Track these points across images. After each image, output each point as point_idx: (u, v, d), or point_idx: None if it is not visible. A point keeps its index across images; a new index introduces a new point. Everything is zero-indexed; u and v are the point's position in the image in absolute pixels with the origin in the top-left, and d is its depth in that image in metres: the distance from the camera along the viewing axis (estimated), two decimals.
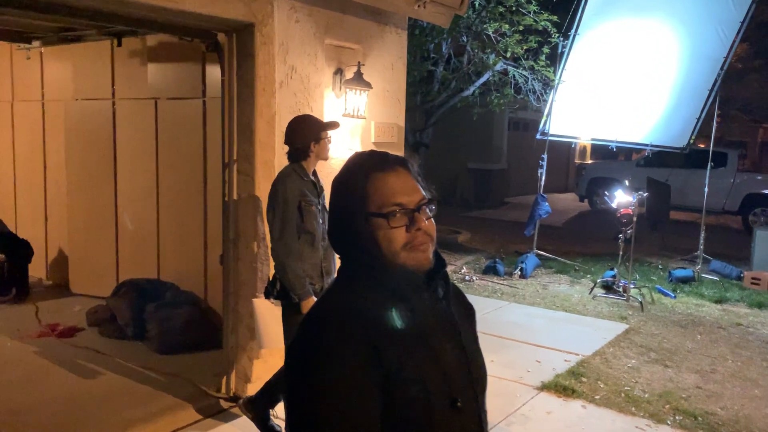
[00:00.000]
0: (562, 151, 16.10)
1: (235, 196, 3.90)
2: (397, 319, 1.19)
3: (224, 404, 3.95)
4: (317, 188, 3.35)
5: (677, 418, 4.18)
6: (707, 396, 4.59)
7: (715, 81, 9.00)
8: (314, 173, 3.39)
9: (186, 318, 4.77)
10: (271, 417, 3.53)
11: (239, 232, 3.90)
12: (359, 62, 4.37)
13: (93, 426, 3.60)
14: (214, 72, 4.89)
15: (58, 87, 6.13)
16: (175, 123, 5.43)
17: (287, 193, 3.18)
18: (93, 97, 5.86)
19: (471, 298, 5.69)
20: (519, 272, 8.22)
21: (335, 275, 1.33)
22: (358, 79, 4.35)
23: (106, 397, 3.94)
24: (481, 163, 16.65)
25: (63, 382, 4.18)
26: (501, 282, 7.95)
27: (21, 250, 5.94)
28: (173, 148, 5.46)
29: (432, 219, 1.26)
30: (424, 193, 1.25)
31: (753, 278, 8.10)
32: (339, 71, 4.44)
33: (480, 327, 5.42)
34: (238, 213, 3.89)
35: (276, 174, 3.44)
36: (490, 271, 8.37)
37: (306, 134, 3.27)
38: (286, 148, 3.34)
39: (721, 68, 8.93)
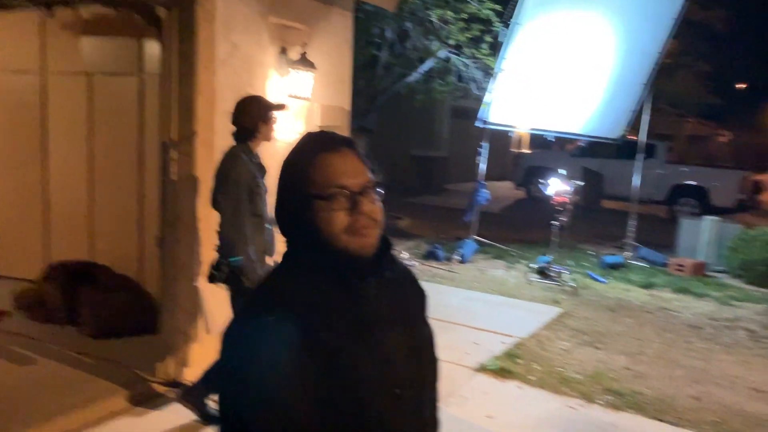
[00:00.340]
0: (500, 139, 16.40)
1: (173, 177, 3.79)
2: (336, 304, 1.17)
3: (161, 389, 3.86)
4: (262, 170, 3.31)
5: (607, 397, 4.35)
6: (635, 376, 4.80)
7: (650, 75, 9.32)
8: (257, 155, 3.34)
9: (121, 302, 4.62)
10: (209, 404, 3.48)
11: (178, 214, 3.80)
12: (304, 42, 4.31)
13: (19, 415, 3.44)
14: (151, 47, 4.73)
15: None
16: (111, 99, 5.21)
17: (238, 175, 3.12)
18: (21, 70, 5.56)
19: None
20: (458, 257, 8.36)
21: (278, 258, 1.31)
22: (303, 60, 4.30)
23: (34, 384, 3.78)
24: (423, 150, 16.79)
25: None
26: (441, 267, 8.06)
27: None
28: (108, 126, 5.26)
29: (378, 202, 1.23)
30: (369, 175, 1.22)
31: (678, 265, 8.50)
32: (283, 51, 4.38)
33: None
34: (177, 194, 3.79)
35: (216, 154, 3.36)
36: (431, 256, 8.48)
37: (255, 114, 3.21)
38: (233, 127, 3.27)
39: (656, 63, 9.26)
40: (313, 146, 1.23)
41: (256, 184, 3.17)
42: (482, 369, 4.64)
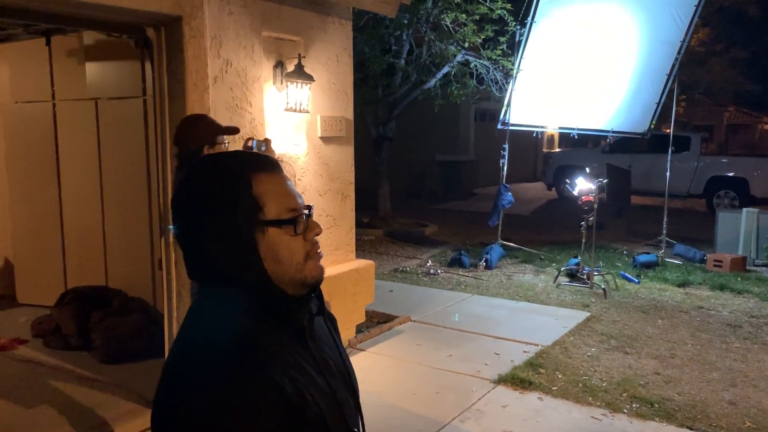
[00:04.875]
0: (530, 140, 16.14)
1: (170, 197, 3.74)
2: (293, 349, 1.05)
3: None
4: None
5: (634, 405, 4.13)
6: (665, 382, 4.55)
7: (673, 65, 9.01)
8: None
9: (132, 325, 4.60)
10: None
11: None
12: (299, 54, 4.23)
13: None
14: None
15: None
16: (117, 123, 5.24)
17: None
18: (32, 100, 5.63)
19: (435, 292, 5.75)
20: (484, 263, 8.16)
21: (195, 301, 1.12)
22: (299, 72, 4.22)
23: (39, 413, 3.76)
24: (448, 155, 16.62)
25: None
26: (466, 274, 7.88)
27: None
28: (116, 149, 5.28)
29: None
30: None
31: (715, 260, 8.14)
32: (279, 64, 4.31)
33: (441, 321, 5.37)
34: None
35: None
36: (456, 263, 8.30)
37: (200, 136, 2.82)
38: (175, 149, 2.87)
39: (678, 52, 8.94)
40: (249, 167, 1.06)
41: None
42: (502, 380, 4.45)
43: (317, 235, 1.10)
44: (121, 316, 4.69)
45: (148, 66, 4.92)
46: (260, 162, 1.09)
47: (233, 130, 2.94)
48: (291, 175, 1.13)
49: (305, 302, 1.10)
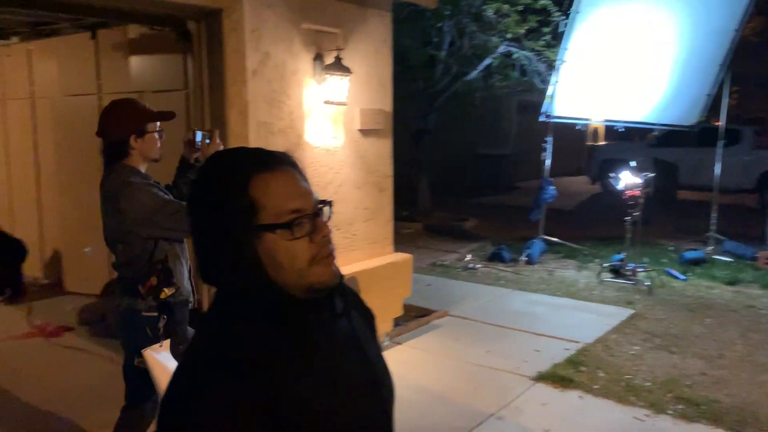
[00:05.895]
0: (574, 133, 15.78)
1: None
2: (305, 363, 1.00)
3: None
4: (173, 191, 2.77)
5: (679, 407, 4.00)
6: (712, 383, 4.40)
7: (726, 56, 8.67)
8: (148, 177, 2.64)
9: None
10: None
11: None
12: (338, 47, 4.21)
13: (61, 430, 3.51)
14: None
15: (45, 84, 6.06)
16: None
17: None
18: (80, 93, 5.77)
19: (474, 287, 5.65)
20: (525, 258, 8.05)
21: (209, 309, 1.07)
22: (338, 65, 4.20)
23: (81, 399, 3.86)
24: (489, 149, 16.43)
25: (40, 383, 4.10)
26: (506, 269, 7.78)
27: (14, 250, 5.88)
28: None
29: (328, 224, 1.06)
30: (315, 193, 1.05)
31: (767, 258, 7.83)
32: (318, 57, 4.30)
33: (480, 316, 5.30)
34: None
35: None
36: (496, 258, 8.20)
37: (123, 125, 2.50)
38: (99, 140, 2.60)
39: (731, 42, 8.60)
40: (248, 166, 1.02)
41: None
42: (541, 378, 4.37)
43: (325, 236, 1.03)
44: None
45: (190, 59, 4.98)
46: (263, 160, 1.03)
47: (167, 115, 2.61)
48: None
49: (317, 307, 1.04)
